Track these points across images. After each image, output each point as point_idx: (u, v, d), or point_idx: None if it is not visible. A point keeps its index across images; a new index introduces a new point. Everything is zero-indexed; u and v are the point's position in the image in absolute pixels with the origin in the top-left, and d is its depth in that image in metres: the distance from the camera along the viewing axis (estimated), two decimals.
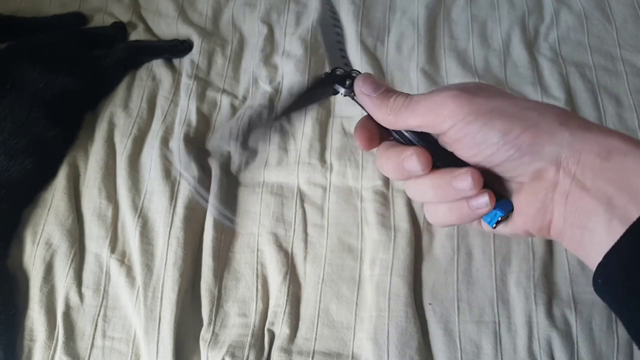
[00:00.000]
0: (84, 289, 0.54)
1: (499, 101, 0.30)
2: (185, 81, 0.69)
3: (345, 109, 0.66)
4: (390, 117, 0.33)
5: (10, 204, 0.57)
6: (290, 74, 0.68)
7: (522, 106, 0.30)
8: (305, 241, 0.56)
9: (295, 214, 0.58)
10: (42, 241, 0.56)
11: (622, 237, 0.26)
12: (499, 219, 0.33)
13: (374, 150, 0.61)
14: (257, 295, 0.53)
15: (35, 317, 0.52)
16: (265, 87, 0.69)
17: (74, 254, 0.56)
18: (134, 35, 0.75)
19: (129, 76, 0.70)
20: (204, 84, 0.69)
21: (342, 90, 0.37)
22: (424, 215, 0.57)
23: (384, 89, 0.34)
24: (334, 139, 0.63)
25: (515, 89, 0.67)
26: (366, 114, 0.37)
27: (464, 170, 0.31)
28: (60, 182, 0.60)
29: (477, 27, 0.73)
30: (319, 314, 0.52)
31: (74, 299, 0.53)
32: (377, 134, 0.35)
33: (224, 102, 0.68)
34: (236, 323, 0.52)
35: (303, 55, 0.70)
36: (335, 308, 0.52)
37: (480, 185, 0.31)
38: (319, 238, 0.56)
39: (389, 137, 0.37)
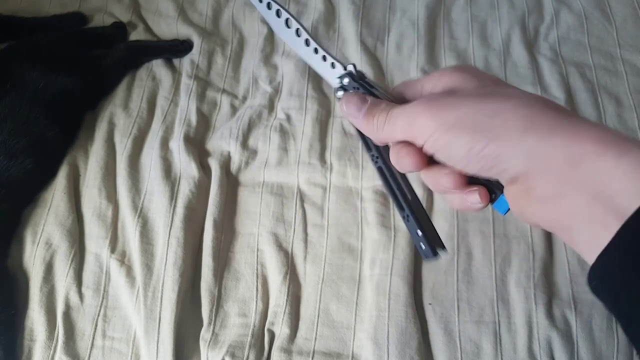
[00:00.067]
0: (84, 289, 0.54)
1: (465, 108, 0.29)
2: (185, 81, 0.69)
3: None
4: (379, 135, 0.34)
5: (10, 204, 0.57)
6: (290, 74, 0.68)
7: (487, 112, 0.29)
8: (305, 241, 0.56)
9: (295, 214, 0.58)
10: (42, 241, 0.56)
11: (606, 249, 0.25)
12: (508, 208, 0.33)
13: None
14: (257, 295, 0.53)
15: (35, 317, 0.52)
16: (265, 87, 0.69)
17: (74, 254, 0.56)
18: (134, 35, 0.75)
19: (129, 76, 0.70)
20: (204, 84, 0.69)
21: (339, 94, 0.37)
22: None
23: (367, 106, 0.34)
24: (334, 139, 0.63)
25: None
26: None
27: (474, 188, 0.33)
28: (60, 182, 0.60)
29: (477, 27, 0.73)
30: (319, 314, 0.52)
31: (74, 299, 0.53)
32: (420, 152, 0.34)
33: (224, 102, 0.68)
34: (236, 323, 0.52)
35: None
36: (335, 308, 0.52)
37: (487, 200, 0.33)
38: (319, 238, 0.56)
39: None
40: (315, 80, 0.69)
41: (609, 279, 0.25)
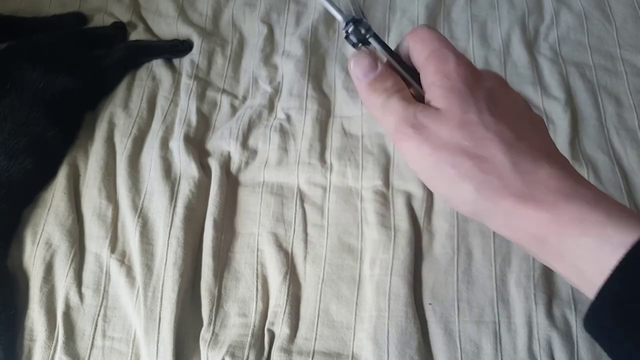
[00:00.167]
0: (84, 289, 0.54)
1: (444, 157, 0.29)
2: (185, 81, 0.69)
3: (346, 109, 0.66)
4: (370, 110, 0.34)
5: (10, 204, 0.57)
6: (290, 74, 0.68)
7: (462, 171, 0.28)
8: (305, 241, 0.56)
9: (295, 214, 0.58)
10: (42, 241, 0.56)
11: (587, 312, 0.26)
12: None
13: (374, 150, 0.61)
14: (257, 295, 0.53)
15: (35, 317, 0.52)
16: (265, 87, 0.69)
17: (74, 254, 0.56)
18: (134, 35, 0.75)
19: (129, 76, 0.70)
20: (204, 84, 0.69)
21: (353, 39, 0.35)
22: (424, 215, 0.57)
23: (375, 76, 0.33)
24: (334, 139, 0.63)
25: (515, 88, 0.66)
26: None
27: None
28: (60, 182, 0.60)
29: (477, 27, 0.73)
30: (319, 314, 0.52)
31: (74, 299, 0.53)
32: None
33: (224, 102, 0.68)
34: (236, 323, 0.52)
35: (303, 55, 0.70)
36: (335, 308, 0.52)
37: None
38: (319, 238, 0.56)
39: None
40: (315, 80, 0.69)
41: (595, 334, 0.27)
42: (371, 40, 0.34)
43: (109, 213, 0.59)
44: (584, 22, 0.73)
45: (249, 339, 0.51)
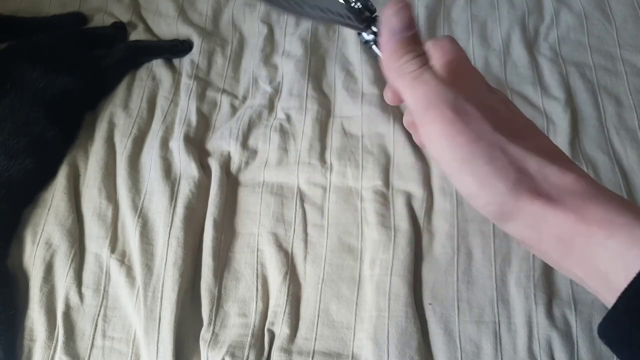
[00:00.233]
0: (84, 289, 0.54)
1: (480, 150, 0.27)
2: (185, 81, 0.69)
3: (346, 109, 0.66)
4: (392, 74, 0.30)
5: (10, 204, 0.57)
6: (290, 74, 0.68)
7: (496, 168, 0.27)
8: (305, 241, 0.56)
9: (295, 214, 0.58)
10: (42, 241, 0.56)
11: (605, 317, 0.26)
12: None
13: (374, 150, 0.61)
14: (257, 295, 0.53)
15: (35, 317, 0.52)
16: (265, 87, 0.69)
17: (74, 254, 0.56)
18: (134, 35, 0.75)
19: (129, 76, 0.70)
20: (204, 84, 0.69)
21: (365, 34, 0.32)
22: (424, 215, 0.57)
23: (410, 35, 0.29)
24: (334, 139, 0.63)
25: (515, 88, 0.67)
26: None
27: None
28: (60, 182, 0.60)
29: (477, 27, 0.73)
30: (319, 314, 0.52)
31: (74, 299, 0.53)
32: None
33: (224, 102, 0.68)
34: (236, 323, 0.52)
35: (303, 55, 0.70)
36: (335, 308, 0.52)
37: None
38: (319, 238, 0.56)
39: None
40: (315, 80, 0.69)
41: (613, 340, 0.27)
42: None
43: (109, 213, 0.59)
44: (584, 22, 0.73)
45: (249, 339, 0.51)
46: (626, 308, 0.25)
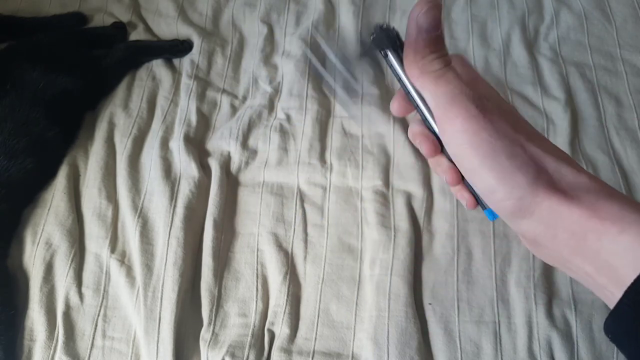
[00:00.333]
0: (84, 289, 0.54)
1: (502, 146, 0.29)
2: (185, 81, 0.69)
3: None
4: (416, 71, 0.31)
5: (10, 204, 0.57)
6: (290, 74, 0.68)
7: (518, 163, 0.28)
8: (305, 241, 0.56)
9: (295, 214, 0.58)
10: (42, 241, 0.56)
11: (612, 312, 0.27)
12: (493, 218, 0.34)
13: (374, 150, 0.61)
14: (257, 295, 0.53)
15: (35, 317, 0.52)
16: (265, 87, 0.69)
17: (74, 254, 0.56)
18: (134, 35, 0.75)
19: (129, 76, 0.70)
20: (204, 84, 0.69)
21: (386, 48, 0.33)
22: (424, 215, 0.57)
23: (435, 37, 0.31)
24: (334, 139, 0.63)
25: (515, 88, 0.67)
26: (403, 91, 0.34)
27: (466, 195, 0.33)
28: (60, 182, 0.60)
29: (477, 27, 0.73)
30: (319, 314, 0.52)
31: (74, 299, 0.53)
32: (437, 141, 0.33)
33: (224, 102, 0.68)
34: (236, 323, 0.52)
35: (303, 55, 0.70)
36: (335, 308, 0.52)
37: (472, 206, 0.33)
38: (319, 238, 0.56)
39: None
40: (315, 80, 0.69)
41: (618, 336, 0.27)
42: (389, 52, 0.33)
43: (109, 213, 0.59)
44: (584, 22, 0.73)
45: (249, 339, 0.51)
46: (632, 302, 0.25)
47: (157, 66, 0.71)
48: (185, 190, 0.59)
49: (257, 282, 0.54)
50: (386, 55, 0.33)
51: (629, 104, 0.65)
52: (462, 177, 0.33)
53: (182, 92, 0.68)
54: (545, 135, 0.62)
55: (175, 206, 0.57)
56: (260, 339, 0.51)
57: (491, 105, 0.30)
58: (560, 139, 0.62)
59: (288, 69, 0.69)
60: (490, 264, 0.54)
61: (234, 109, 0.67)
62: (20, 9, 0.78)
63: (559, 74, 0.67)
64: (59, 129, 0.62)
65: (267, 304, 0.53)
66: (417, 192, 0.58)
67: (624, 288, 0.26)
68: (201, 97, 0.68)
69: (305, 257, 0.55)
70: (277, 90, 0.68)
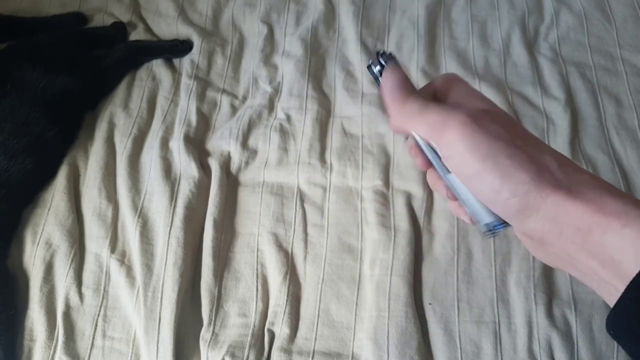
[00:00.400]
0: (84, 289, 0.54)
1: (499, 147, 0.30)
2: (185, 81, 0.69)
3: (346, 109, 0.66)
4: (403, 119, 0.33)
5: (10, 204, 0.57)
6: (290, 74, 0.68)
7: (518, 162, 0.29)
8: (305, 241, 0.56)
9: (295, 214, 0.58)
10: (42, 241, 0.56)
11: (614, 307, 0.27)
12: (491, 234, 0.34)
13: (374, 150, 0.61)
14: (257, 295, 0.53)
15: (35, 317, 0.52)
16: (265, 87, 0.69)
17: (74, 254, 0.56)
18: (134, 35, 0.75)
19: (129, 76, 0.70)
20: (204, 84, 0.69)
21: (375, 69, 0.36)
22: (424, 215, 0.57)
23: (408, 87, 0.34)
24: (334, 139, 0.63)
25: (515, 88, 0.67)
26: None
27: (456, 205, 0.34)
28: (60, 182, 0.60)
29: (477, 27, 0.73)
30: (319, 314, 0.52)
31: (74, 299, 0.53)
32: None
33: (224, 102, 0.68)
34: (236, 323, 0.52)
35: (303, 55, 0.70)
36: (335, 308, 0.52)
37: (474, 222, 0.34)
38: (319, 238, 0.56)
39: None
40: (315, 80, 0.69)
41: (620, 331, 0.28)
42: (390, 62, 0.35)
43: (109, 213, 0.59)
44: (584, 22, 0.73)
45: (249, 339, 0.51)
46: (635, 297, 0.26)
47: (157, 66, 0.71)
48: (185, 190, 0.59)
49: (257, 282, 0.54)
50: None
51: (629, 104, 0.65)
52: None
53: (182, 92, 0.68)
54: (545, 135, 0.62)
55: (175, 206, 0.57)
56: (260, 339, 0.51)
57: (483, 112, 0.31)
58: (560, 139, 0.62)
59: (288, 69, 0.69)
60: (490, 264, 0.54)
61: (234, 109, 0.67)
62: (20, 9, 0.78)
63: (559, 74, 0.67)
64: (59, 129, 0.62)
65: (267, 304, 0.53)
66: (417, 192, 0.58)
67: (627, 283, 0.26)
68: (201, 97, 0.68)
69: (305, 257, 0.55)
70: (277, 90, 0.68)
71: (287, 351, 0.50)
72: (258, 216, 0.58)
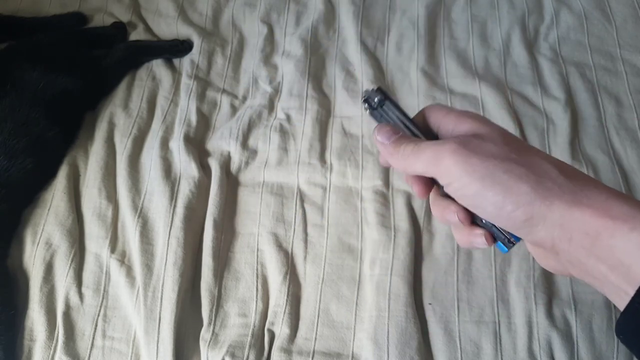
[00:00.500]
0: (84, 289, 0.54)
1: (494, 164, 0.31)
2: (185, 81, 0.69)
3: (346, 109, 0.66)
4: (401, 162, 0.36)
5: (10, 204, 0.57)
6: (290, 74, 0.68)
7: (516, 174, 0.30)
8: (305, 241, 0.56)
9: (295, 214, 0.58)
10: (42, 241, 0.56)
11: (624, 311, 0.28)
12: (507, 249, 0.34)
13: (374, 150, 0.61)
14: (257, 295, 0.53)
15: (35, 317, 0.52)
16: (265, 87, 0.69)
17: (74, 254, 0.56)
18: (134, 35, 0.75)
19: (129, 76, 0.70)
20: (204, 84, 0.69)
21: (366, 112, 0.39)
22: (424, 215, 0.57)
23: (398, 136, 0.37)
24: (334, 139, 0.63)
25: (515, 88, 0.67)
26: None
27: (479, 232, 0.35)
28: (60, 182, 0.60)
29: (477, 27, 0.73)
30: (319, 314, 0.52)
31: (74, 299, 0.53)
32: (429, 182, 0.37)
33: (224, 102, 0.68)
34: (236, 323, 0.52)
35: (303, 55, 0.70)
36: (335, 308, 0.52)
37: (490, 243, 0.34)
38: (319, 238, 0.56)
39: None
40: (315, 80, 0.69)
41: (630, 335, 0.28)
42: (386, 103, 0.37)
43: (109, 213, 0.59)
44: (584, 22, 0.73)
45: (249, 339, 0.51)
46: None
47: (157, 66, 0.71)
48: (185, 190, 0.59)
49: (257, 282, 0.54)
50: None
51: (629, 104, 0.65)
52: (474, 216, 0.34)
53: (182, 92, 0.68)
54: (545, 135, 0.62)
55: (175, 206, 0.57)
56: (260, 339, 0.51)
57: (472, 136, 0.33)
58: (560, 139, 0.62)
59: (288, 69, 0.69)
60: (490, 264, 0.54)
61: (234, 109, 0.67)
62: (20, 9, 0.78)
63: (559, 74, 0.67)
64: (59, 129, 0.62)
65: (267, 304, 0.53)
66: (417, 198, 0.58)
67: (637, 286, 0.26)
68: (201, 97, 0.68)
69: (305, 257, 0.55)
70: (277, 90, 0.68)
71: (287, 351, 0.50)
72: (258, 216, 0.58)
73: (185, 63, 0.71)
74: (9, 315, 0.51)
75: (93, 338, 0.52)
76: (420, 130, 0.36)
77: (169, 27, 0.75)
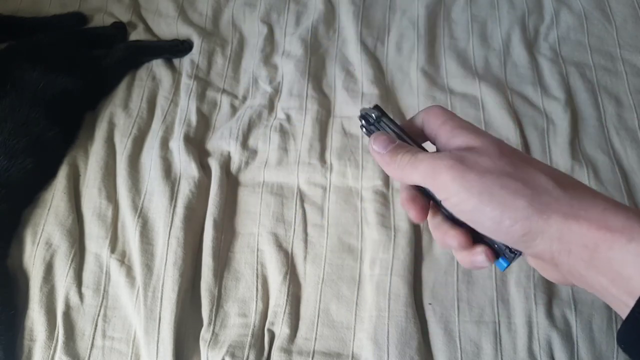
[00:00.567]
0: (84, 289, 0.54)
1: (491, 180, 0.31)
2: (185, 81, 0.69)
3: (346, 109, 0.66)
4: (397, 172, 0.36)
5: (10, 204, 0.57)
6: (290, 74, 0.68)
7: (512, 189, 0.30)
8: (305, 241, 0.56)
9: (295, 214, 0.58)
10: (42, 241, 0.56)
11: (625, 321, 0.28)
12: (506, 265, 0.34)
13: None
14: (257, 295, 0.53)
15: (35, 317, 0.52)
16: (265, 87, 0.69)
17: (74, 254, 0.56)
18: (134, 35, 0.75)
19: (129, 76, 0.70)
20: (204, 84, 0.69)
21: (363, 130, 0.39)
22: None
23: (394, 145, 0.36)
24: (334, 139, 0.63)
25: (515, 88, 0.67)
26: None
27: (479, 249, 0.34)
28: (60, 182, 0.60)
29: (477, 27, 0.73)
30: (319, 314, 0.52)
31: (74, 299, 0.53)
32: (426, 206, 0.37)
33: (224, 102, 0.68)
34: (236, 323, 0.52)
35: (303, 55, 0.70)
36: (335, 308, 0.52)
37: (492, 259, 0.34)
38: (319, 238, 0.56)
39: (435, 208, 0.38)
40: (315, 80, 0.69)
41: (631, 345, 0.28)
42: (383, 119, 0.38)
43: (109, 213, 0.59)
44: (584, 22, 0.73)
45: (249, 339, 0.51)
46: None
47: (157, 66, 0.71)
48: (185, 190, 0.59)
49: (257, 282, 0.54)
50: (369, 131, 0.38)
51: (629, 104, 0.65)
52: (475, 233, 0.34)
53: (182, 92, 0.68)
54: (545, 135, 0.62)
55: (175, 206, 0.57)
56: (260, 339, 0.51)
57: (468, 151, 0.33)
58: (560, 139, 0.62)
59: (288, 69, 0.69)
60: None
61: (234, 109, 0.67)
62: (20, 9, 0.78)
63: (559, 74, 0.67)
64: (59, 129, 0.62)
65: (267, 304, 0.53)
66: None
67: (637, 297, 0.27)
68: (201, 97, 0.68)
69: (305, 257, 0.55)
70: (277, 90, 0.68)
71: (287, 351, 0.50)
72: (258, 216, 0.58)
73: (185, 63, 0.71)
74: (9, 315, 0.51)
75: (93, 338, 0.52)
76: (417, 143, 0.36)
77: (169, 27, 0.75)
